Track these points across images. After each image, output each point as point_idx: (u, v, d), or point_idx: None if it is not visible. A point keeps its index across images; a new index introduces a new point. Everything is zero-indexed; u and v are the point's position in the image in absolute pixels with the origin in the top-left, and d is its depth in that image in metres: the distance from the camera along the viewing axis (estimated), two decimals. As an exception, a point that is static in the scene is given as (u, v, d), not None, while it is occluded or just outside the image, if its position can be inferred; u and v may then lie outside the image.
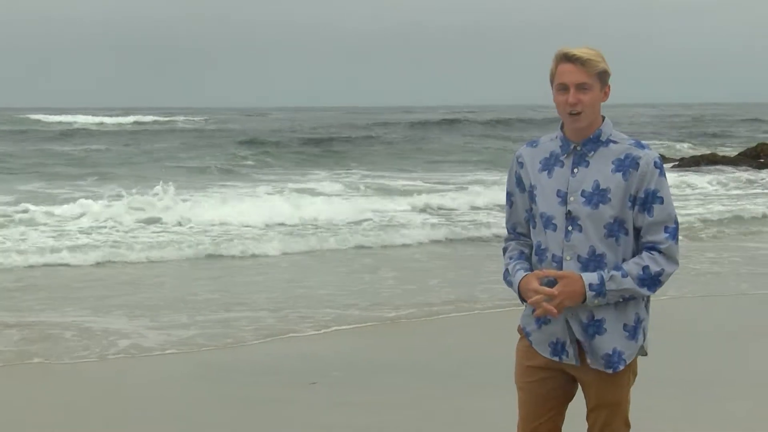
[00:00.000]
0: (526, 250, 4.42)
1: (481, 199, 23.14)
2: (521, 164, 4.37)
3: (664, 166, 4.23)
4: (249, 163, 38.26)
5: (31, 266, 14.72)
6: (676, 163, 36.41)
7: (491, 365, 8.96)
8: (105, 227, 18.44)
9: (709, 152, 39.82)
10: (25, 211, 19.89)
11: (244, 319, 11.20)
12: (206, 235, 17.73)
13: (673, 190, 24.30)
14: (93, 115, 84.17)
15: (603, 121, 4.25)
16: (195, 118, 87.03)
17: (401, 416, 7.66)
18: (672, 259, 4.15)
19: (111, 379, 8.99)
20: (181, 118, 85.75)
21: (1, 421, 7.67)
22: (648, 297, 4.27)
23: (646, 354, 4.38)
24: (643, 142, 4.27)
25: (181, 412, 7.86)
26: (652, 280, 4.12)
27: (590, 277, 4.11)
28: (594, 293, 4.09)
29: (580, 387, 4.43)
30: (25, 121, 76.07)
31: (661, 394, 7.88)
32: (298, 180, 29.97)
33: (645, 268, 4.11)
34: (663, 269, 4.12)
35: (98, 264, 15.12)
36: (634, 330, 4.22)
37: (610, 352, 4.20)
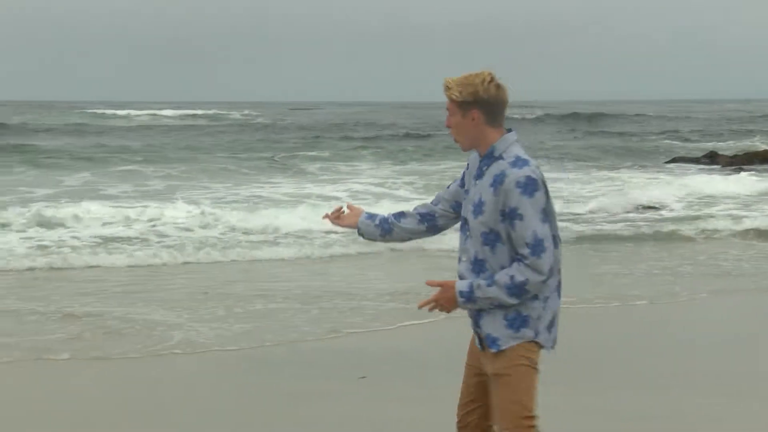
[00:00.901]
0: (417, 210, 4.93)
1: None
2: (468, 166, 4.76)
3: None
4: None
5: (131, 266, 15.00)
6: (730, 159, 36.09)
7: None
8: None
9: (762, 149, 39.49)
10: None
11: (293, 314, 11.33)
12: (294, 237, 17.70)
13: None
14: (140, 109, 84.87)
15: (501, 137, 4.57)
16: (250, 113, 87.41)
17: (449, 411, 7.72)
18: (537, 270, 4.46)
19: (163, 373, 9.15)
20: (234, 112, 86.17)
21: (62, 413, 7.87)
22: (546, 296, 4.58)
23: (551, 347, 4.69)
24: (525, 159, 4.52)
25: (231, 406, 7.98)
26: (518, 289, 4.47)
27: (462, 285, 4.58)
28: (464, 299, 4.56)
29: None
30: (86, 115, 76.83)
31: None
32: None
33: (512, 277, 4.48)
34: (527, 279, 4.46)
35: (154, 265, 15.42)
36: (515, 321, 4.55)
37: (484, 336, 4.62)
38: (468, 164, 4.75)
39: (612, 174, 31.95)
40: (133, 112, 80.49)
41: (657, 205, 22.66)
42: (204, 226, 18.43)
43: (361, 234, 5.01)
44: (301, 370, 9.04)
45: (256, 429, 7.43)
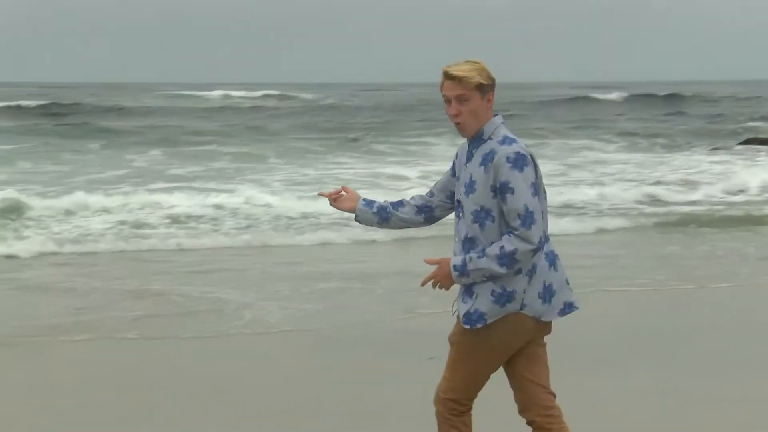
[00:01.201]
0: (414, 202, 5.15)
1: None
2: (456, 156, 5.00)
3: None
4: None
5: (199, 248, 15.06)
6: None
7: (615, 344, 8.95)
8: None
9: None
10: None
11: (359, 295, 11.30)
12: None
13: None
14: (211, 90, 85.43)
15: (490, 120, 4.82)
16: (320, 94, 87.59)
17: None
18: (526, 240, 4.64)
19: (233, 352, 9.15)
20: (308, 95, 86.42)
21: (129, 393, 7.88)
22: (529, 269, 4.74)
23: (557, 316, 4.86)
24: (512, 138, 4.77)
25: (303, 386, 7.97)
26: (507, 258, 4.65)
27: (456, 260, 4.78)
28: (458, 273, 4.75)
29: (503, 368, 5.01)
30: (159, 96, 77.58)
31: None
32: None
33: (501, 247, 4.66)
34: (516, 248, 4.64)
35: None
36: (501, 297, 4.74)
37: (471, 311, 4.80)
38: (457, 154, 4.99)
39: (682, 155, 31.59)
40: (205, 93, 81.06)
41: (736, 189, 22.37)
42: (272, 207, 18.43)
43: (357, 220, 5.22)
44: (372, 351, 9.00)
45: (328, 410, 7.37)
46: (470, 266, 4.71)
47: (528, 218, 4.63)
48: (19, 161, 27.59)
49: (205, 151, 31.67)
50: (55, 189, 21.00)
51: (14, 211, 17.20)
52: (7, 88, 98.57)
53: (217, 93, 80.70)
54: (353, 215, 5.22)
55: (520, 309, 4.77)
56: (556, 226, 16.92)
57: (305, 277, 12.26)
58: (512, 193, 4.64)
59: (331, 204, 5.24)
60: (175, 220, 17.08)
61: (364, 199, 5.20)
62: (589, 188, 22.04)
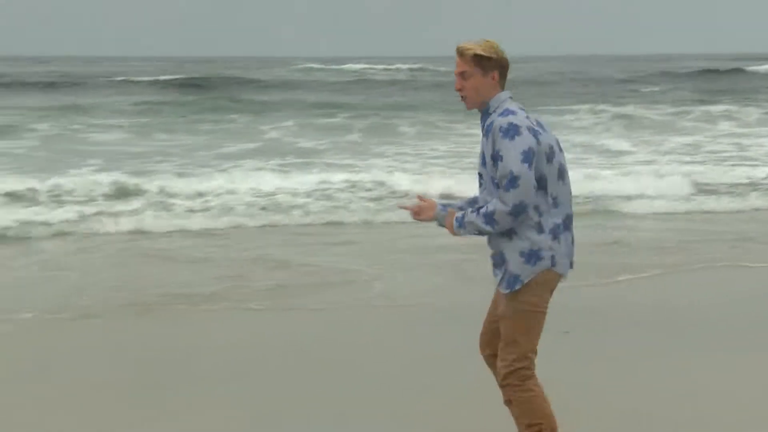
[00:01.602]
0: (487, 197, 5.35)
1: None
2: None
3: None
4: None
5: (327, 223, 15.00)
6: None
7: (734, 324, 8.80)
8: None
9: None
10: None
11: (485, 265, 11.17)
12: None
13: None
14: (342, 63, 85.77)
15: (496, 96, 5.15)
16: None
17: (651, 368, 7.51)
18: (503, 202, 5.00)
19: (360, 323, 9.16)
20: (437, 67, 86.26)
21: (255, 362, 7.92)
22: (556, 226, 5.10)
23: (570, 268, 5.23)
24: (512, 110, 5.07)
25: (428, 359, 7.94)
26: (487, 217, 5.05)
27: (459, 213, 5.20)
28: (457, 224, 5.19)
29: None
30: (294, 70, 78.23)
31: None
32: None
33: (487, 207, 5.07)
34: (495, 209, 5.02)
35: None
36: (530, 256, 5.10)
37: (507, 277, 5.16)
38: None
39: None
40: (341, 66, 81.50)
41: None
42: (401, 183, 18.33)
43: (441, 225, 5.46)
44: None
45: (455, 384, 7.31)
46: (465, 219, 5.14)
47: (511, 183, 4.96)
48: (156, 133, 28.16)
49: (337, 123, 31.79)
50: (191, 161, 21.39)
51: (151, 186, 17.41)
52: (148, 63, 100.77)
53: (353, 66, 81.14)
54: (435, 222, 5.46)
55: (552, 266, 5.13)
56: (693, 203, 16.51)
57: (436, 252, 12.16)
58: (502, 160, 4.99)
59: (413, 218, 5.52)
60: (307, 194, 17.14)
61: (441, 204, 5.50)
62: (738, 166, 21.40)
